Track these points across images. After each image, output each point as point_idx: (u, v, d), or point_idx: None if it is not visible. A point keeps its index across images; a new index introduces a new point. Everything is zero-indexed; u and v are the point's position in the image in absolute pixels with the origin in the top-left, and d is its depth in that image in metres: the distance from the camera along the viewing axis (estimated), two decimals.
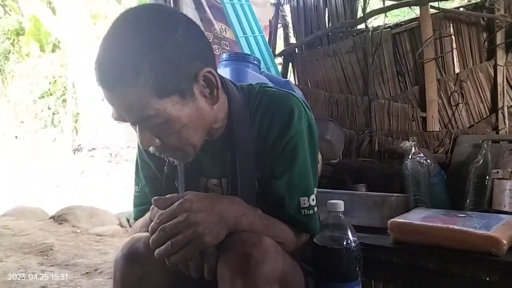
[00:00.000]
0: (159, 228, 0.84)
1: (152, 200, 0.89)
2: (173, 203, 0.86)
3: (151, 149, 0.91)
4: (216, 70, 0.92)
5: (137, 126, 0.86)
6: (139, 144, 0.89)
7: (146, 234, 0.91)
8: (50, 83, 10.21)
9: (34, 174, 7.23)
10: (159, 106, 0.82)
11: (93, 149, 7.54)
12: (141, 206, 1.12)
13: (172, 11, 0.98)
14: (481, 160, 1.66)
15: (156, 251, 0.84)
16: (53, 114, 10.20)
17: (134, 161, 1.16)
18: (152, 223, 0.87)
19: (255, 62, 1.71)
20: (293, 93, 1.05)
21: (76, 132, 9.66)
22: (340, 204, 0.99)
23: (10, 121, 10.41)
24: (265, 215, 0.97)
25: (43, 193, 6.54)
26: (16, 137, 10.34)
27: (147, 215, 1.01)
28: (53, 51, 10.46)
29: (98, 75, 0.82)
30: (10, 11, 10.14)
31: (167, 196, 0.89)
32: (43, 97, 10.30)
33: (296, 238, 1.02)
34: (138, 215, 1.12)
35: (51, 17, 9.68)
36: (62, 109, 10.00)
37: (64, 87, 10.01)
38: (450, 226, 1.18)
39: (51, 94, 10.23)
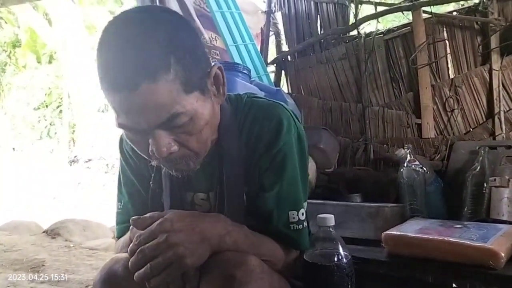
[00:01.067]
0: (138, 250, 0.80)
1: (130, 220, 0.85)
2: (153, 223, 0.82)
3: (153, 162, 0.86)
4: None
5: (155, 132, 0.79)
6: (155, 152, 0.81)
7: (125, 255, 0.87)
8: (46, 94, 10.20)
9: (31, 186, 7.18)
10: (186, 102, 0.79)
11: (90, 160, 7.51)
12: (124, 223, 1.07)
13: (172, 9, 0.96)
14: (478, 167, 1.63)
15: (136, 274, 0.80)
16: (50, 125, 10.19)
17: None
18: (131, 244, 0.82)
19: (244, 71, 1.68)
20: (282, 103, 1.01)
21: (73, 143, 9.63)
22: (330, 219, 0.95)
23: (7, 133, 10.39)
24: (251, 232, 0.93)
25: (39, 205, 6.49)
26: (13, 148, 10.32)
27: (128, 235, 0.97)
28: (49, 62, 10.47)
29: (113, 79, 0.75)
30: (6, 23, 10.15)
31: (147, 215, 0.84)
32: (39, 108, 10.29)
33: (285, 255, 0.98)
34: (121, 233, 1.08)
35: (47, 28, 9.69)
36: (58, 120, 9.98)
37: (60, 98, 10.00)
38: (446, 239, 1.14)
39: (47, 106, 10.22)
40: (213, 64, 0.87)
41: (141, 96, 0.74)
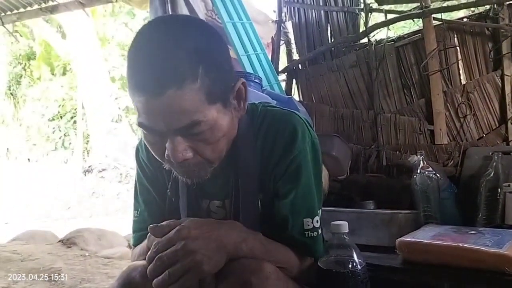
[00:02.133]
0: (156, 257, 0.81)
1: (148, 228, 0.87)
2: (170, 231, 0.83)
3: (166, 165, 0.88)
4: None
5: (173, 137, 0.82)
6: (171, 156, 0.83)
7: (142, 262, 0.88)
8: (60, 105, 10.35)
9: (46, 196, 7.27)
10: (208, 112, 0.81)
11: (104, 170, 7.57)
12: (141, 231, 1.09)
13: (205, 21, 0.99)
14: (492, 173, 1.62)
15: (154, 281, 0.81)
16: (64, 135, 10.32)
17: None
18: (149, 252, 0.84)
19: (256, 81, 1.70)
20: (296, 112, 1.03)
21: (87, 153, 9.74)
22: (344, 225, 0.95)
23: (22, 144, 10.55)
24: (266, 239, 0.94)
25: (55, 215, 6.56)
26: (28, 159, 10.46)
27: (145, 243, 0.98)
28: (63, 74, 10.64)
29: (140, 81, 0.78)
30: (21, 36, 10.35)
31: (164, 223, 0.86)
32: (54, 119, 10.43)
33: (300, 262, 0.99)
34: (138, 241, 1.10)
35: (61, 41, 9.86)
36: (73, 131, 10.11)
37: (74, 109, 10.14)
38: (461, 245, 1.14)
39: (61, 117, 10.36)
40: (238, 79, 0.89)
41: (165, 101, 0.77)
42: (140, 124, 0.83)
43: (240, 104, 0.92)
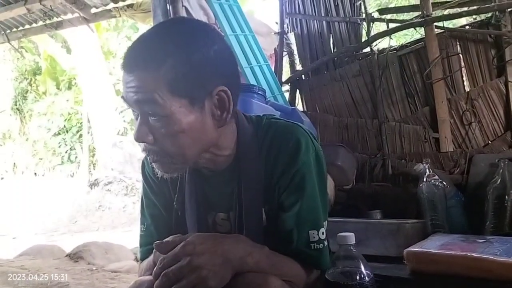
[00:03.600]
0: (162, 274, 0.82)
1: (154, 245, 0.87)
2: (175, 247, 0.83)
3: (142, 145, 0.92)
4: (236, 100, 0.94)
5: (139, 118, 0.88)
6: (134, 137, 0.90)
7: (148, 278, 0.89)
8: (65, 119, 10.43)
9: (52, 211, 7.29)
10: (167, 100, 0.84)
11: (110, 183, 7.58)
12: (147, 245, 1.09)
13: (216, 30, 1.01)
14: (499, 180, 1.61)
15: None
16: (70, 149, 10.39)
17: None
18: (155, 268, 0.84)
19: (260, 92, 1.71)
20: (300, 124, 1.03)
21: (93, 166, 9.78)
22: (350, 237, 0.95)
23: (29, 159, 10.62)
24: (272, 253, 0.94)
25: (62, 229, 6.57)
26: (35, 174, 10.52)
27: (151, 257, 0.98)
28: (68, 88, 10.74)
29: (124, 59, 0.88)
30: (27, 52, 10.48)
31: (169, 238, 0.86)
32: (60, 133, 10.51)
33: (306, 274, 0.98)
34: (145, 255, 1.10)
35: (65, 55, 9.97)
36: (78, 145, 10.17)
37: (80, 123, 10.21)
38: (469, 254, 1.13)
39: (67, 131, 10.44)
40: (216, 86, 0.89)
41: (133, 77, 0.86)
42: (122, 97, 0.91)
43: (222, 114, 0.91)
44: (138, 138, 0.89)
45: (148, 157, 0.94)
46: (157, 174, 0.95)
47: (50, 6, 3.70)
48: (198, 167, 1.01)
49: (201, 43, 0.87)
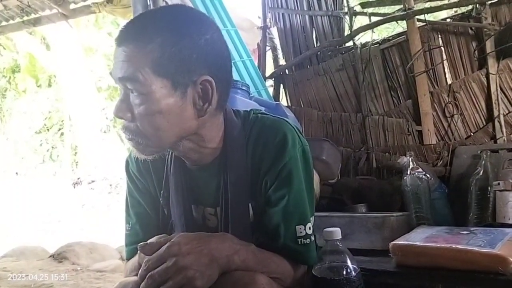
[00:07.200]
0: (147, 276, 0.80)
1: (138, 247, 0.85)
2: (160, 248, 0.82)
3: (122, 123, 0.92)
4: (226, 95, 0.95)
5: (120, 94, 0.90)
6: (113, 111, 0.91)
7: (133, 279, 0.87)
8: (46, 118, 10.25)
9: (35, 210, 7.17)
10: (149, 78, 0.85)
11: (93, 181, 7.49)
12: (133, 245, 1.07)
13: (215, 23, 0.99)
14: (481, 171, 1.63)
15: None
16: (52, 148, 10.21)
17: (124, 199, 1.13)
18: (140, 269, 0.82)
19: (243, 88, 1.70)
20: (286, 119, 1.03)
21: (76, 165, 9.64)
22: (337, 232, 0.95)
23: (10, 158, 10.41)
24: (259, 250, 0.93)
25: (45, 229, 6.47)
26: (16, 173, 10.33)
27: (136, 258, 0.97)
28: (49, 86, 10.54)
29: (117, 34, 0.89)
30: (5, 49, 10.24)
31: (153, 239, 0.85)
32: (41, 132, 10.33)
33: (294, 270, 0.98)
34: (131, 254, 1.08)
35: (45, 52, 9.77)
36: (60, 143, 10.01)
37: (61, 121, 10.04)
38: (454, 246, 1.14)
39: (48, 129, 10.26)
40: (201, 75, 0.88)
41: (121, 51, 0.87)
42: (110, 73, 0.91)
43: (204, 105, 0.90)
44: (117, 113, 0.89)
45: (124, 135, 0.93)
46: (135, 156, 0.96)
47: (28, 2, 3.61)
48: (180, 155, 0.99)
49: (193, 30, 0.88)
